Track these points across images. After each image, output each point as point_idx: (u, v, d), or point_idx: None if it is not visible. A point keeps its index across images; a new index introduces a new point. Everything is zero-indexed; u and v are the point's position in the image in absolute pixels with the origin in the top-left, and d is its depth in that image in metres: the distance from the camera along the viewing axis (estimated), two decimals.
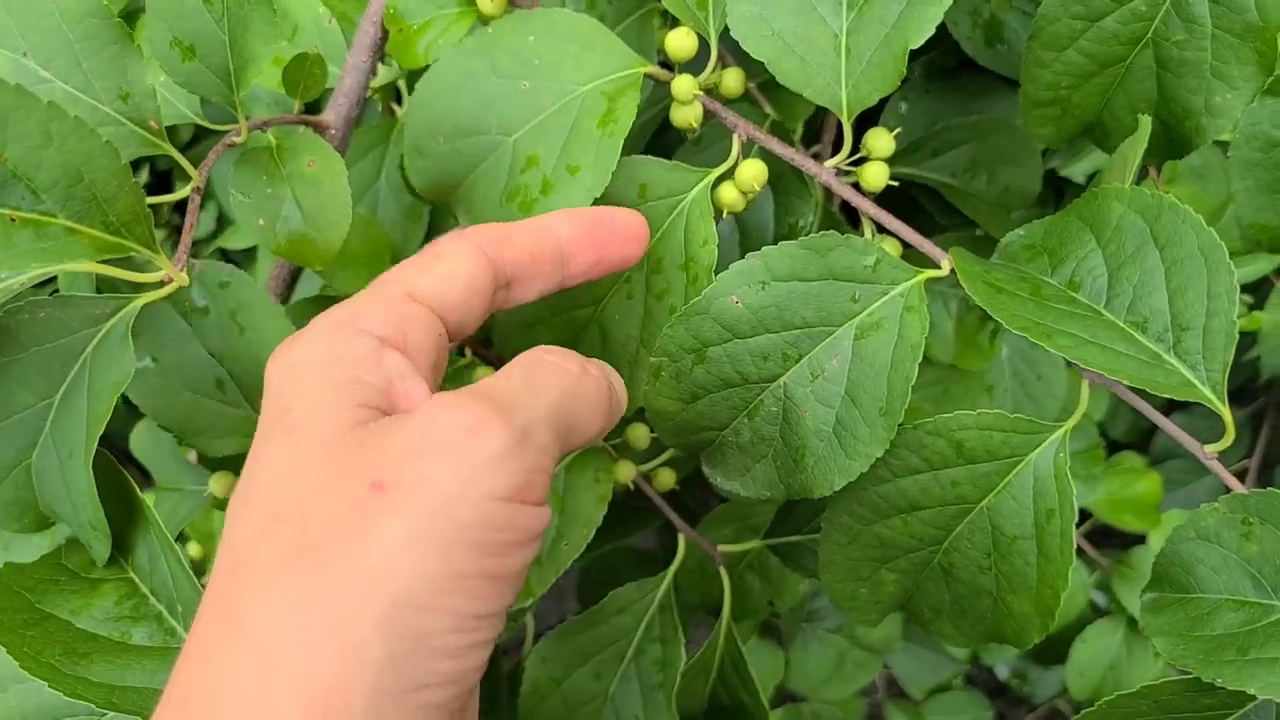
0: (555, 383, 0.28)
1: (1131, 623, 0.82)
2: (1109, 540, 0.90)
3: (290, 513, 0.24)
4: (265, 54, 0.37)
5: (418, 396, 0.27)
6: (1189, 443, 0.39)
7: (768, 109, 0.58)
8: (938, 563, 0.41)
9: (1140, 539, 0.83)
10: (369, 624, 0.22)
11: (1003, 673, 1.06)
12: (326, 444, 0.25)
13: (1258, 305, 0.77)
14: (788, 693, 0.92)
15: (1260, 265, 0.73)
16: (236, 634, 0.23)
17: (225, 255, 0.79)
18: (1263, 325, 0.74)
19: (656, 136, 0.58)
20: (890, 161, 0.62)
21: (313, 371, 0.27)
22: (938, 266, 0.40)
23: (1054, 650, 0.87)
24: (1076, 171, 0.71)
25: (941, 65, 0.62)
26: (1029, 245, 0.41)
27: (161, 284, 0.34)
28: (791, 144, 0.57)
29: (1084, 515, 0.85)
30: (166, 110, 0.41)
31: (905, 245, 0.43)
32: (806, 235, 0.57)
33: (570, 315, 0.42)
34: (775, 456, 0.40)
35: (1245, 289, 0.77)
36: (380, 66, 0.48)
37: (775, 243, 0.57)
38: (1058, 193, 0.72)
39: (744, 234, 0.56)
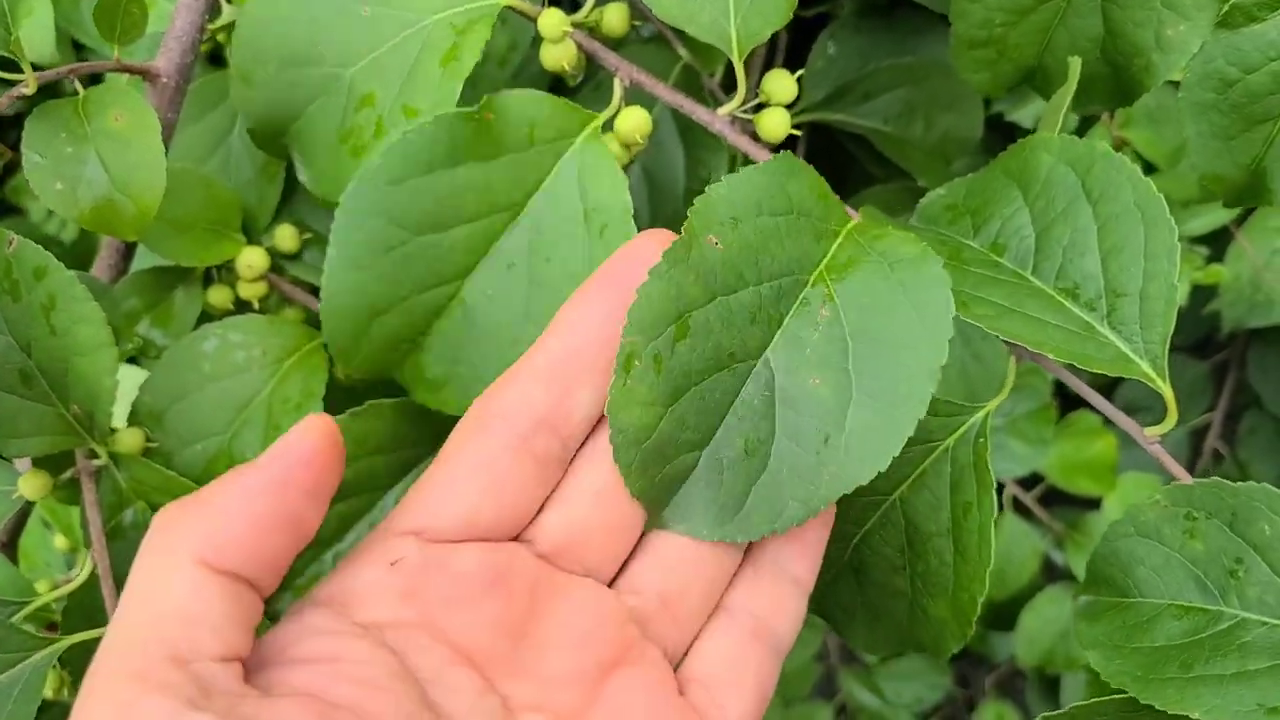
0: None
1: None
2: (1063, 501, 0.87)
3: None
4: None
5: None
6: (1128, 424, 0.34)
7: (681, 51, 0.52)
8: (848, 561, 0.37)
9: (1095, 503, 0.80)
10: None
11: None
12: None
13: (1217, 257, 0.72)
14: None
15: (1219, 215, 0.68)
16: None
17: None
18: (1222, 278, 0.70)
19: (563, 86, 0.53)
20: (817, 107, 0.57)
21: None
22: None
23: (1005, 617, 0.84)
24: (1024, 116, 0.66)
25: (874, 1, 0.56)
26: (950, 205, 0.37)
27: None
28: (700, 90, 0.52)
29: (1036, 478, 0.81)
30: None
31: None
32: None
33: (421, 298, 0.35)
34: (781, 459, 0.29)
35: (1203, 240, 0.72)
36: (224, 4, 0.42)
37: (688, 201, 0.53)
38: (1005, 139, 0.67)
39: (653, 189, 0.51)
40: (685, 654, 0.31)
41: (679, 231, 0.30)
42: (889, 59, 0.56)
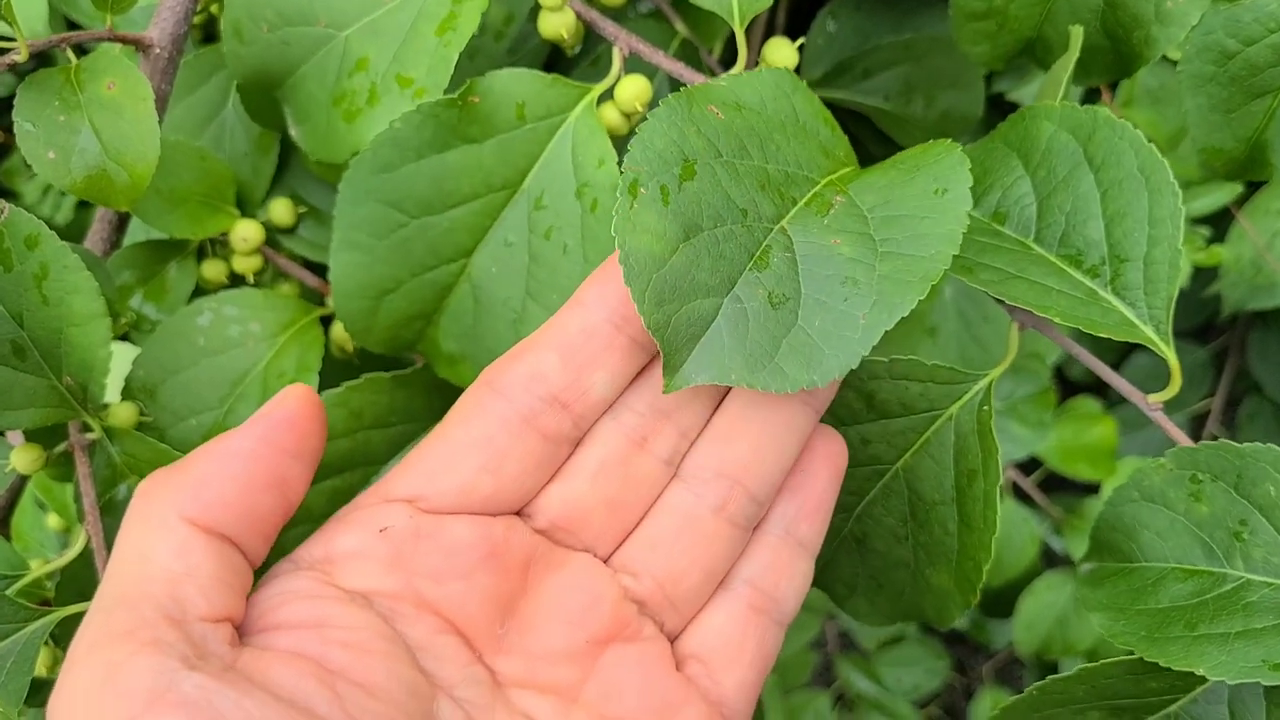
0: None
1: None
2: (1061, 487, 0.87)
3: None
4: None
5: None
6: (1130, 392, 0.34)
7: (679, 26, 0.52)
8: (849, 532, 0.36)
9: (1094, 488, 0.79)
10: None
11: (961, 621, 1.03)
12: None
13: (1218, 238, 0.72)
14: None
15: (1220, 195, 0.68)
16: None
17: None
18: (1223, 260, 0.69)
19: (561, 60, 0.52)
20: (817, 84, 0.57)
21: None
22: None
23: (1003, 603, 0.83)
24: (1025, 95, 0.66)
25: None
26: None
27: None
28: (698, 65, 0.52)
29: (1035, 463, 0.81)
30: None
31: None
32: None
33: (430, 276, 0.36)
34: (808, 317, 0.27)
35: (1204, 221, 0.72)
36: None
37: None
38: (1006, 117, 0.67)
39: None
40: (684, 628, 0.30)
41: None
42: (889, 35, 0.55)
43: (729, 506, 0.29)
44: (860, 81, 0.55)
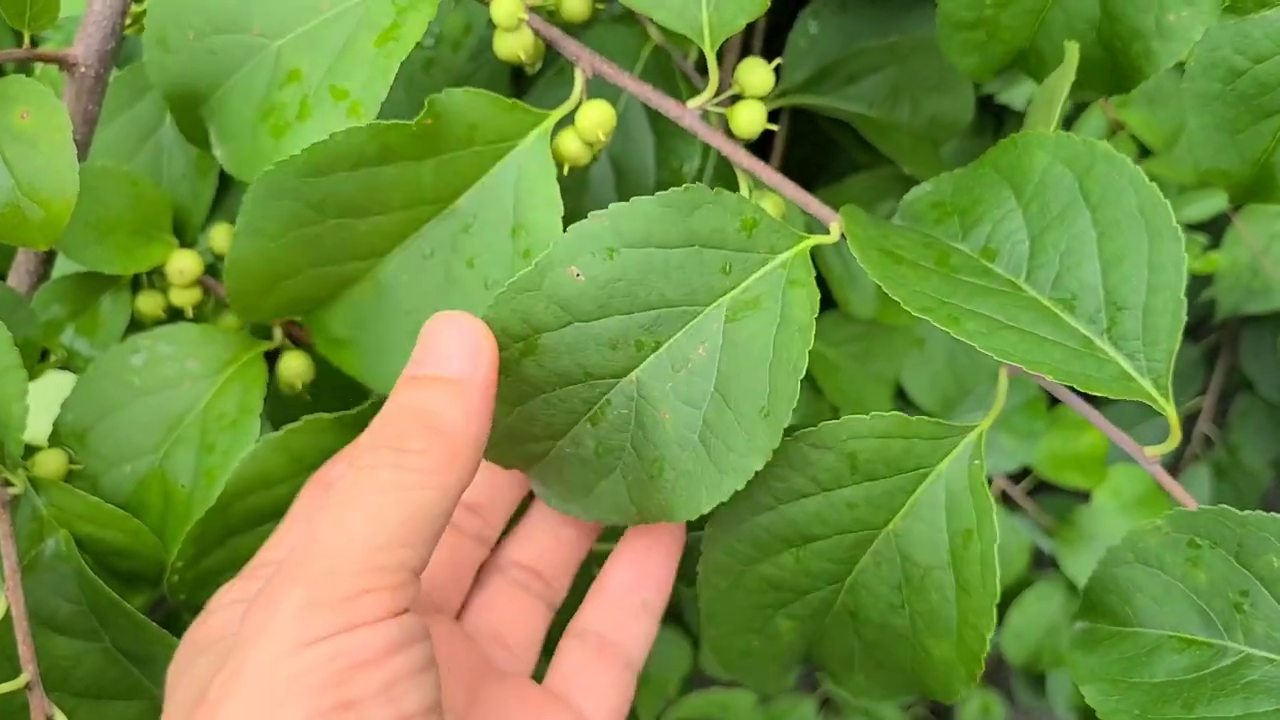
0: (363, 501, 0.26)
1: (1071, 587, 0.76)
2: (1051, 490, 0.85)
3: None
4: None
5: None
6: (1128, 445, 0.32)
7: (653, 31, 0.49)
8: (841, 604, 0.34)
9: (1085, 493, 0.77)
10: None
11: None
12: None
13: (1213, 243, 0.70)
14: (704, 677, 0.86)
15: (1217, 201, 0.65)
16: None
17: None
18: (1219, 266, 0.67)
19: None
20: (798, 90, 0.54)
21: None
22: (825, 230, 0.33)
23: None
24: (1016, 98, 0.63)
25: None
26: (937, 203, 0.34)
27: None
28: (672, 74, 0.49)
29: (1025, 470, 0.79)
30: None
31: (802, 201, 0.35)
32: (693, 182, 0.50)
33: (334, 269, 0.34)
34: (625, 471, 0.31)
35: (1200, 227, 0.70)
36: None
37: (657, 191, 0.50)
38: (997, 121, 0.64)
39: (621, 178, 0.48)
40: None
41: None
42: (874, 38, 0.53)
43: (532, 585, 0.36)
44: (844, 87, 0.53)
